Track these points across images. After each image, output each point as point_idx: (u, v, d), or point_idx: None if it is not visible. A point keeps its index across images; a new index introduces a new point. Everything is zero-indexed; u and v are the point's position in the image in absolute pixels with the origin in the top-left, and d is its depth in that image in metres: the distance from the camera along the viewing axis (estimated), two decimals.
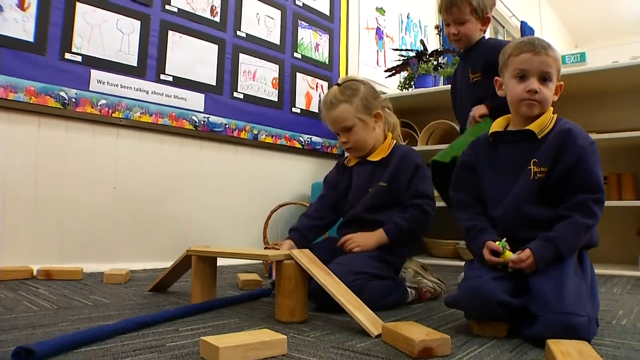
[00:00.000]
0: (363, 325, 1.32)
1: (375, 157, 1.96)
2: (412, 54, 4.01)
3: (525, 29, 7.94)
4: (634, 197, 3.05)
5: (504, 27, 7.85)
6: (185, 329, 1.35)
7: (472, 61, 2.23)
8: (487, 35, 5.86)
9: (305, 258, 1.48)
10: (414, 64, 3.84)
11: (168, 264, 1.93)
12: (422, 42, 4.23)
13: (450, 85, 2.59)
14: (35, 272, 2.19)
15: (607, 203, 2.85)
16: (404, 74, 4.05)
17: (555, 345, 1.05)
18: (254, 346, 1.06)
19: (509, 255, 1.38)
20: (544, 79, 1.47)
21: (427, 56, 3.89)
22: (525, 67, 1.48)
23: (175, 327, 1.37)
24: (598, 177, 1.42)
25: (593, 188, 1.40)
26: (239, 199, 3.25)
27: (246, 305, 1.72)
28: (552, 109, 1.53)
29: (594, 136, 2.76)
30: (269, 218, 2.75)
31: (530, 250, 1.36)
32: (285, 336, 1.13)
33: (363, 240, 1.82)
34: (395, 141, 2.00)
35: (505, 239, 1.41)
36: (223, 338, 1.09)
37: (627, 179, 3.10)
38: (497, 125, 1.57)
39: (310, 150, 3.72)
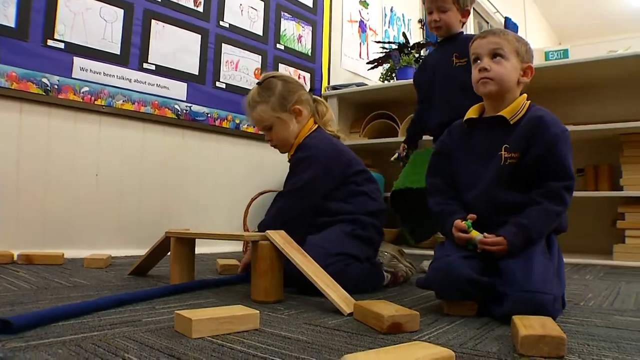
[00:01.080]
0: (335, 304, 1.36)
1: (289, 157, 2.04)
2: (394, 46, 4.05)
3: (509, 24, 7.99)
4: (610, 188, 3.11)
5: (488, 23, 7.91)
6: (161, 307, 1.38)
7: (455, 49, 2.27)
8: (472, 31, 5.89)
9: (280, 239, 1.51)
10: (395, 56, 3.88)
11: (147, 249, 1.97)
12: (404, 34, 4.27)
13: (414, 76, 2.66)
14: (16, 257, 2.20)
15: (584, 194, 2.95)
16: (386, 65, 4.09)
17: (520, 320, 1.09)
18: (226, 319, 1.10)
19: (476, 233, 1.43)
20: (494, 55, 1.52)
21: (409, 48, 3.93)
22: (477, 50, 1.55)
23: (152, 305, 1.40)
24: (569, 164, 1.46)
25: (564, 175, 1.44)
26: (220, 187, 3.27)
27: (224, 287, 1.75)
28: (525, 95, 1.57)
29: (571, 128, 2.83)
30: (248, 206, 2.78)
31: (504, 237, 1.40)
32: (258, 311, 1.17)
33: None
34: (310, 133, 2.00)
35: (470, 219, 1.46)
36: (196, 312, 1.12)
37: (603, 170, 3.16)
38: (472, 112, 1.61)
39: None
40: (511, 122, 1.51)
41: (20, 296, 1.46)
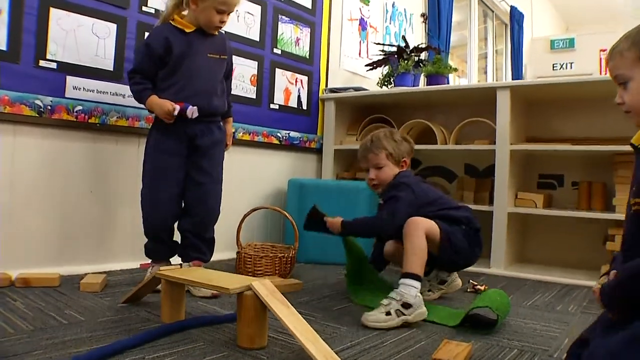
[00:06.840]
0: (314, 358, 1.39)
1: None
2: (393, 49, 4.03)
3: (514, 13, 7.94)
4: (603, 206, 3.12)
5: (493, 12, 7.84)
6: (150, 356, 1.44)
7: None
8: (476, 19, 5.80)
9: (265, 290, 1.54)
10: (393, 62, 3.86)
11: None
12: (403, 37, 4.25)
13: None
14: (14, 279, 2.25)
15: (576, 213, 2.94)
16: (386, 69, 4.07)
17: None
18: None
19: None
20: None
21: (408, 52, 3.91)
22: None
23: (142, 355, 1.45)
24: None
25: None
26: None
27: (212, 328, 1.78)
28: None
29: (566, 148, 2.85)
30: (241, 222, 2.81)
31: None
32: None
33: None
34: None
35: None
36: None
37: (597, 188, 3.17)
38: None
39: (288, 146, 3.75)
40: None
41: (15, 342, 1.51)
